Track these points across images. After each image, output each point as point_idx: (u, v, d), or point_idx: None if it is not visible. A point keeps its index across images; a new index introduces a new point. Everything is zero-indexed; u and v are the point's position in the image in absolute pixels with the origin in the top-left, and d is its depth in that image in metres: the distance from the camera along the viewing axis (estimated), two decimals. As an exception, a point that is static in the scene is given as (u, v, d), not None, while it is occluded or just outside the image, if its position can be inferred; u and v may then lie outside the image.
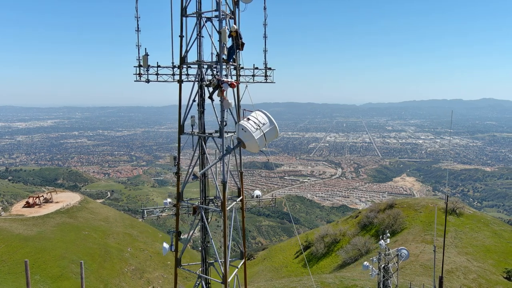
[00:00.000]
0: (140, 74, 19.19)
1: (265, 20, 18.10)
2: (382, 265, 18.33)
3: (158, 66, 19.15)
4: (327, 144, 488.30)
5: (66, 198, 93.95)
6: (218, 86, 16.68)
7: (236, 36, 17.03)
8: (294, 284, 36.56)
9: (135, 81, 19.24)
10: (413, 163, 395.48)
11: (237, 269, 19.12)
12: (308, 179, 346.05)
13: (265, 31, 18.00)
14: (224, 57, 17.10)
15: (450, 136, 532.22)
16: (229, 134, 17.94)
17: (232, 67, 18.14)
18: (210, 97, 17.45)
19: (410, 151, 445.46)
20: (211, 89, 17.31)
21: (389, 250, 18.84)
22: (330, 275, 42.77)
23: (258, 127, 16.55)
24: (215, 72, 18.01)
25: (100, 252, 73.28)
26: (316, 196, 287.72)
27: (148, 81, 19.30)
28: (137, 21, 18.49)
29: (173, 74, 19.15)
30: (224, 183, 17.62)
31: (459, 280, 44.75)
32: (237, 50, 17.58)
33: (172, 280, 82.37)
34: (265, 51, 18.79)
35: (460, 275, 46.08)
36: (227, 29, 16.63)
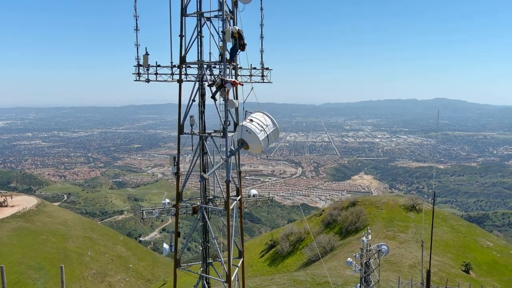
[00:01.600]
0: (139, 74, 18.97)
1: (261, 20, 18.08)
2: (364, 261, 18.64)
3: (158, 66, 18.94)
4: (287, 144, 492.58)
5: (22, 202, 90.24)
6: (222, 85, 16.63)
7: (238, 37, 17.03)
8: (267, 283, 36.63)
9: (134, 80, 19.05)
10: (371, 162, 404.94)
11: (237, 268, 19.12)
12: (269, 179, 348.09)
13: (261, 32, 18.03)
14: (226, 57, 17.12)
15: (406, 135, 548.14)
16: (230, 134, 17.79)
17: (231, 67, 18.03)
18: (213, 97, 17.34)
19: (367, 150, 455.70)
20: (213, 89, 17.26)
21: (370, 246, 19.16)
22: (302, 272, 43.16)
23: (262, 129, 16.52)
24: (215, 72, 17.99)
25: (59, 257, 70.95)
26: (277, 196, 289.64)
27: (148, 80, 19.12)
28: (136, 20, 18.39)
29: (172, 74, 18.95)
30: (227, 183, 17.45)
31: (421, 274, 46.01)
32: (239, 51, 17.51)
33: (134, 284, 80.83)
34: (261, 51, 18.79)
35: (422, 269, 47.38)
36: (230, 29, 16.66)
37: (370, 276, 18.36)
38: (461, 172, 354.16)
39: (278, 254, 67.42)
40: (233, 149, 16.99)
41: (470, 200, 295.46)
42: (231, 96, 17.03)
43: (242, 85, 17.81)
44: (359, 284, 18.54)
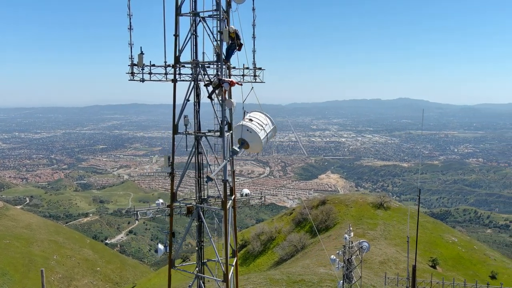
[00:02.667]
0: (133, 73, 18.72)
1: (253, 20, 18.08)
2: (347, 258, 18.84)
3: (152, 65, 18.75)
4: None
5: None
6: (219, 85, 16.59)
7: (235, 37, 17.02)
8: (243, 282, 36.58)
9: (129, 80, 18.79)
10: (337, 161, 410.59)
11: (232, 267, 19.02)
12: (237, 179, 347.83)
13: (253, 32, 18.03)
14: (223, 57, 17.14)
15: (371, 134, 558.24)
16: (226, 134, 17.68)
17: (225, 66, 17.95)
18: (209, 97, 17.29)
19: (334, 149, 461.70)
20: (209, 88, 17.22)
21: (352, 243, 19.38)
22: (276, 271, 43.30)
23: (262, 128, 16.47)
24: (209, 72, 17.95)
25: (23, 262, 68.84)
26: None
27: (143, 80, 18.90)
28: (130, 19, 18.18)
29: (166, 74, 18.75)
30: (225, 182, 17.41)
31: (392, 270, 47.00)
32: (235, 50, 17.52)
33: (102, 287, 79.22)
34: (254, 51, 18.78)
35: (392, 265, 48.42)
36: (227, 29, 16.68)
37: (352, 273, 18.61)
38: (424, 170, 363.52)
39: (249, 253, 67.44)
40: (236, 149, 16.88)
41: (433, 197, 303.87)
42: (227, 96, 17.02)
43: (241, 84, 17.88)
44: (341, 281, 18.76)
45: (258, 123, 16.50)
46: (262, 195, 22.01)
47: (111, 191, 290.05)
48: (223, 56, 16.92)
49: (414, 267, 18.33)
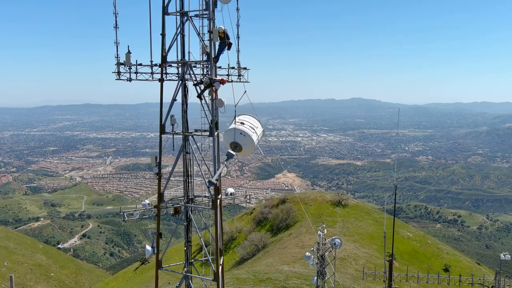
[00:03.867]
0: (119, 73, 18.46)
1: (237, 20, 18.09)
2: (320, 254, 19.10)
3: (139, 65, 18.52)
4: (211, 144, 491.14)
5: None
6: (210, 85, 16.54)
7: (223, 37, 17.09)
8: (210, 282, 36.31)
9: (116, 79, 18.55)
10: (293, 160, 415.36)
11: (220, 267, 18.87)
12: (194, 179, 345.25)
13: (238, 31, 18.01)
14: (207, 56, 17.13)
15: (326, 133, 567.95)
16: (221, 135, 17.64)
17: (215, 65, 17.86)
18: (199, 96, 17.17)
19: (290, 149, 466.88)
20: (199, 88, 17.16)
21: (325, 240, 19.68)
22: (242, 270, 43.27)
23: (254, 131, 16.48)
24: (196, 71, 17.96)
25: (-29, 270, 65.56)
26: (201, 197, 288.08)
27: (130, 79, 18.69)
28: (115, 17, 18.03)
29: (152, 73, 18.55)
30: (216, 181, 17.26)
31: (352, 266, 48.05)
32: (225, 50, 17.60)
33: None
34: (238, 50, 18.75)
35: (352, 262, 49.49)
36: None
37: (325, 269, 18.93)
38: (377, 168, 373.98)
39: (209, 254, 67.09)
40: (232, 153, 16.89)
41: (385, 194, 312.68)
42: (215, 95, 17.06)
43: (231, 81, 17.90)
44: (315, 277, 19.02)
45: (250, 126, 16.59)
46: (247, 194, 22.14)
47: (63, 194, 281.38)
48: (213, 56, 16.92)
49: (390, 261, 18.85)
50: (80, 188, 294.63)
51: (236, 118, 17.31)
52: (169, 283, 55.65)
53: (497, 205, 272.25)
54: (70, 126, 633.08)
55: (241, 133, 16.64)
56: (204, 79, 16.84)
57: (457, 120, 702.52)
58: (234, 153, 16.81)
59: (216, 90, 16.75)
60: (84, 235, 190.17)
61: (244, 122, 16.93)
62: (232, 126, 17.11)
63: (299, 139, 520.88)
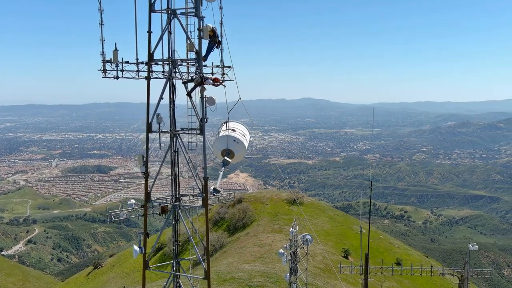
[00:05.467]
0: (105, 70, 18.09)
1: (221, 19, 18.00)
2: (292, 251, 19.38)
3: (126, 62, 18.18)
4: (163, 144, 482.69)
5: None
6: (201, 83, 16.42)
7: (212, 35, 17.00)
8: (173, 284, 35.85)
9: (102, 77, 18.26)
10: (245, 160, 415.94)
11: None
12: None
13: (221, 30, 17.87)
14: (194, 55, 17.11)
15: (277, 133, 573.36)
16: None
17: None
18: (189, 94, 16.99)
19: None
20: (188, 86, 17.04)
21: (297, 236, 19.98)
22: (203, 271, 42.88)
23: (244, 138, 16.47)
24: (182, 70, 17.82)
25: None
26: (153, 197, 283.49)
27: (117, 77, 18.41)
28: (101, 14, 17.67)
29: (138, 71, 18.24)
30: (205, 180, 17.56)
31: (310, 262, 48.82)
32: (214, 48, 17.61)
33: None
34: (221, 49, 18.67)
35: (310, 258, 50.24)
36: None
37: (297, 265, 19.24)
38: (327, 166, 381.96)
39: (166, 256, 66.15)
40: (228, 159, 17.22)
41: (335, 192, 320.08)
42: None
43: (223, 81, 17.92)
44: (288, 274, 19.30)
45: (242, 133, 16.73)
46: (231, 192, 22.35)
47: (6, 199, 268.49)
48: (202, 54, 16.89)
49: (366, 255, 19.46)
50: (24, 192, 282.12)
51: (225, 125, 17.47)
52: (124, 286, 54.59)
53: (440, 200, 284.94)
54: (13, 127, 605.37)
55: (234, 140, 16.84)
56: (195, 77, 16.73)
57: (402, 119, 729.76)
58: (230, 160, 17.03)
59: (205, 88, 16.77)
60: (29, 241, 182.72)
61: (235, 129, 17.10)
62: (224, 133, 17.22)
63: (251, 138, 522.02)
